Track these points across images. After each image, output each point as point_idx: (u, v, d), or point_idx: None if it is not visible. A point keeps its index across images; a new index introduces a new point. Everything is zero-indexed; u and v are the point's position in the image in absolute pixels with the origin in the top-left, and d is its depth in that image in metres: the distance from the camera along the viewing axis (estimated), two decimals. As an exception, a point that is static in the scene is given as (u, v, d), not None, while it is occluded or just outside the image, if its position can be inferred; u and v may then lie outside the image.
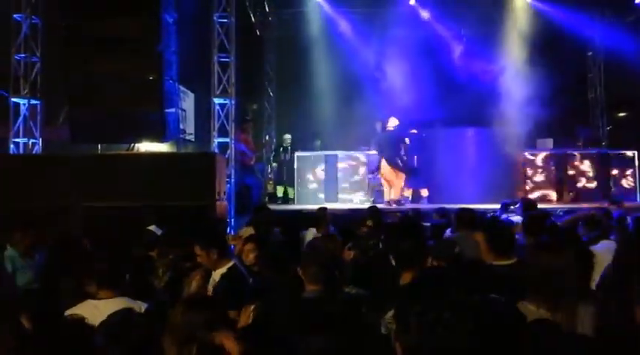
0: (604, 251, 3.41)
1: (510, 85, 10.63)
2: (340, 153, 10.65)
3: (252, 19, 11.87)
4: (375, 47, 11.09)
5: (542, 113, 10.59)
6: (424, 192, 10.00)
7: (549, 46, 10.95)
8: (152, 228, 5.02)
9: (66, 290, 3.00)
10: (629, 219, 5.15)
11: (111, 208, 5.67)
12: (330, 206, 9.16)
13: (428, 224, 5.70)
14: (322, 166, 10.59)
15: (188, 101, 8.67)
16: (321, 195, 10.44)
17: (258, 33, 12.30)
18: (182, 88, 8.16)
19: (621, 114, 12.39)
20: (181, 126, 7.92)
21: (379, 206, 7.57)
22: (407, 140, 9.60)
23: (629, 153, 10.51)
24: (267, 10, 11.84)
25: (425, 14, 11.48)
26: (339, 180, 10.55)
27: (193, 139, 8.67)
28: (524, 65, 10.77)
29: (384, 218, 6.45)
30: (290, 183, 10.68)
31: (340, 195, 10.45)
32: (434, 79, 10.88)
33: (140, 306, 2.53)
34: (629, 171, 10.46)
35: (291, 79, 11.18)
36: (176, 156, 7.20)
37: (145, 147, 7.66)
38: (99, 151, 7.21)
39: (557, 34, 11.16)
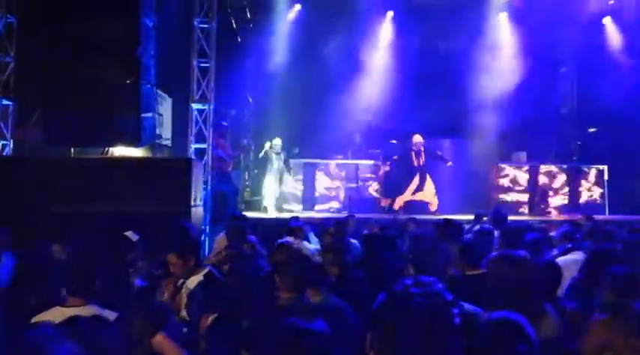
0: (572, 263, 3.51)
1: (487, 98, 10.86)
2: (319, 161, 10.70)
3: (234, 24, 11.86)
4: (353, 56, 11.18)
5: (516, 127, 10.85)
6: (400, 202, 10.10)
7: (524, 62, 11.22)
8: (129, 234, 4.93)
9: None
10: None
11: (84, 213, 5.55)
12: (307, 215, 9.20)
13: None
14: (300, 174, 10.62)
15: (165, 106, 8.58)
16: (296, 205, 10.48)
17: (239, 39, 12.28)
18: (160, 92, 8.08)
19: (592, 130, 12.74)
20: (158, 131, 7.82)
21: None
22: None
23: (599, 167, 10.82)
24: (248, 16, 11.84)
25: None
26: (317, 188, 10.58)
27: (170, 144, 8.57)
28: (502, 79, 11.04)
29: (363, 228, 6.51)
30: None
31: (317, 204, 10.49)
32: (412, 90, 11.05)
33: (109, 315, 2.48)
34: (598, 185, 10.77)
35: (269, 85, 11.18)
36: (151, 161, 7.08)
37: (120, 151, 7.54)
38: (72, 155, 7.05)
39: (532, 49, 11.45)
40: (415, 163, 9.73)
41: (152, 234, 4.18)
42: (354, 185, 10.63)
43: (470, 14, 11.24)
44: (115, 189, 5.85)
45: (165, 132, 8.55)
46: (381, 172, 10.43)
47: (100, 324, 2.13)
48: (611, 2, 10.81)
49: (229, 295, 3.04)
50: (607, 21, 11.42)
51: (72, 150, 7.20)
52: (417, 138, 9.80)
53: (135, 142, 7.01)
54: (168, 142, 8.55)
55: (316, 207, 10.44)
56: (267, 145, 10.01)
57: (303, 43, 11.40)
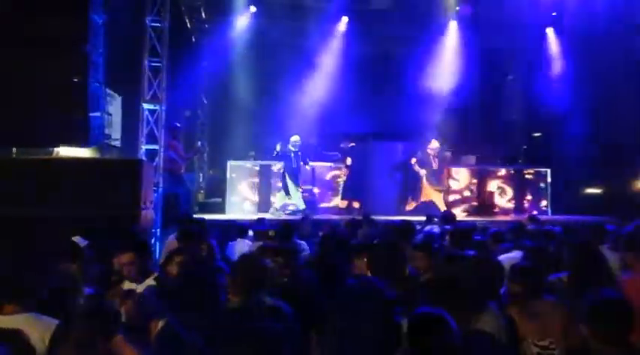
0: (512, 261, 3.68)
1: (438, 103, 11.18)
2: (273, 163, 10.66)
3: (188, 24, 11.66)
4: (308, 59, 11.24)
5: (466, 131, 11.22)
6: (356, 204, 10.23)
7: (474, 69, 11.63)
8: (76, 239, 4.76)
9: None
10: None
11: (27, 218, 5.30)
12: (262, 216, 9.15)
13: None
14: (256, 176, 10.56)
15: (115, 105, 8.32)
16: (251, 206, 10.41)
17: (193, 39, 12.09)
18: (109, 91, 7.84)
19: (536, 135, 13.36)
20: (107, 131, 7.58)
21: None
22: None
23: (543, 170, 11.35)
24: (203, 16, 11.67)
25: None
26: (272, 190, 10.56)
27: (119, 145, 8.31)
28: (453, 84, 11.39)
29: (320, 228, 6.55)
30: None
31: (273, 206, 10.45)
32: (366, 94, 11.23)
33: (49, 323, 2.40)
34: (542, 187, 11.30)
35: (225, 86, 11.05)
36: (99, 162, 6.83)
37: (66, 151, 7.25)
38: (14, 155, 6.71)
39: (481, 57, 11.90)
40: (434, 166, 10.11)
41: (101, 238, 4.07)
42: (309, 187, 10.68)
43: (423, 21, 11.55)
44: (60, 192, 5.61)
45: (115, 132, 8.29)
46: (340, 174, 10.54)
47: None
48: (554, 14, 11.37)
49: (179, 299, 2.99)
50: (549, 31, 12.00)
51: (14, 150, 6.87)
52: (434, 144, 10.16)
53: (82, 143, 6.75)
54: (118, 143, 8.29)
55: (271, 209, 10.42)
56: (278, 146, 9.78)
57: (258, 44, 11.36)
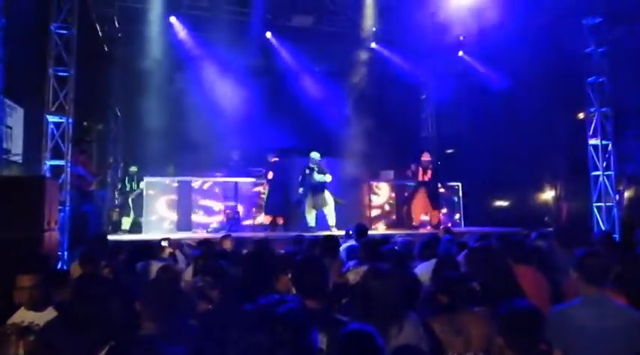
0: (426, 271, 3.82)
1: (356, 120, 11.49)
2: (194, 180, 10.33)
3: (100, 33, 11.08)
4: (229, 73, 11.08)
5: (383, 147, 11.59)
6: (280, 220, 10.12)
7: (389, 88, 12.10)
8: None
9: None
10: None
11: None
12: (182, 235, 8.79)
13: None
14: (174, 193, 10.15)
15: (16, 117, 7.65)
16: (170, 225, 9.98)
17: (105, 48, 11.50)
18: (9, 101, 7.20)
19: (449, 151, 14.11)
20: (5, 145, 6.94)
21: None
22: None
23: (455, 184, 11.98)
24: (116, 25, 11.14)
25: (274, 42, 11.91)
26: (193, 207, 10.20)
27: (20, 160, 7.63)
28: (366, 104, 11.77)
29: (240, 246, 6.38)
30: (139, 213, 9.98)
31: (194, 224, 10.11)
32: (286, 109, 11.28)
33: None
34: (455, 201, 11.90)
35: (140, 99, 10.57)
36: (-3, 179, 6.23)
37: (-42, 167, 6.56)
38: None
39: (397, 77, 12.42)
40: (420, 178, 10.40)
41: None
42: (232, 203, 10.44)
43: (343, 41, 11.86)
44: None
45: (15, 147, 7.61)
46: (262, 189, 10.37)
47: None
48: (461, 38, 12.17)
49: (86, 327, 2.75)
50: (459, 53, 12.81)
51: None
52: (426, 156, 10.41)
53: (-25, 158, 6.15)
54: (19, 158, 7.61)
55: (193, 227, 10.06)
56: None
57: (176, 56, 11.02)
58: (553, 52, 10.05)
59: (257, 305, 1.43)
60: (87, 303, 2.50)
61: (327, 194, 9.70)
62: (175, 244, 6.10)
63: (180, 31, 11.05)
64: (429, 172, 10.47)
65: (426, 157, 10.51)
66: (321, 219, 9.75)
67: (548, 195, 12.46)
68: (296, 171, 9.98)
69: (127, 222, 9.98)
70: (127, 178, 10.23)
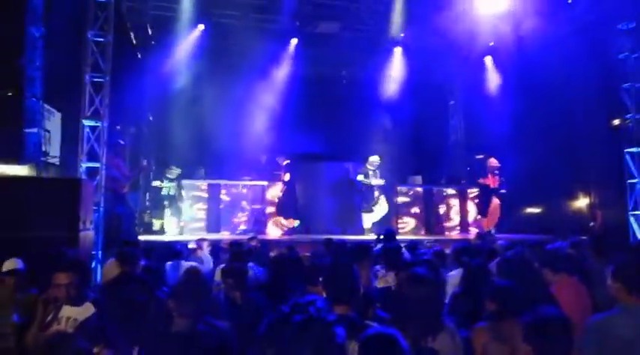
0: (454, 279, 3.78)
1: (383, 125, 11.46)
2: (224, 183, 10.49)
3: (134, 40, 11.40)
4: (257, 80, 11.23)
5: (412, 152, 11.51)
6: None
7: (417, 94, 12.03)
8: (10, 262, 4.44)
9: None
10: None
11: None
12: (211, 237, 8.92)
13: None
14: (204, 195, 10.33)
15: (54, 121, 7.93)
16: (199, 226, 10.15)
17: (139, 55, 11.81)
18: (48, 106, 7.47)
19: (479, 156, 13.91)
20: (44, 148, 7.19)
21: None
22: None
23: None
24: (149, 33, 11.44)
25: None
26: (222, 209, 10.36)
27: (58, 163, 7.90)
28: (394, 109, 11.72)
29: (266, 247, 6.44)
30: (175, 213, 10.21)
31: (223, 226, 10.26)
32: (315, 114, 11.34)
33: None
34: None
35: (172, 104, 10.82)
36: (35, 180, 6.45)
37: (0, 169, 6.82)
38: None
39: (425, 82, 12.34)
40: (491, 185, 10.31)
41: (36, 261, 3.80)
42: (259, 206, 10.56)
43: (369, 46, 11.87)
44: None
45: (53, 149, 7.88)
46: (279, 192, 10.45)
47: None
48: (491, 44, 12.01)
49: (122, 323, 2.83)
50: (487, 59, 12.65)
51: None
52: (493, 162, 10.34)
53: (17, 160, 6.41)
54: (56, 160, 7.87)
55: (222, 229, 10.21)
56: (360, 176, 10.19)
57: (205, 62, 11.24)
58: (587, 57, 9.82)
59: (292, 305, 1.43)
60: (125, 303, 2.59)
61: (382, 198, 9.86)
62: (210, 245, 6.21)
63: (213, 38, 11.26)
64: (497, 178, 10.35)
65: (493, 163, 10.38)
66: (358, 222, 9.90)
67: (581, 202, 12.13)
68: (319, 176, 10.03)
69: (158, 224, 10.19)
70: (165, 180, 10.43)
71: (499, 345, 2.40)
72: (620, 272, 2.66)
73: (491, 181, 10.36)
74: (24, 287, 4.13)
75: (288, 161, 10.16)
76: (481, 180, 10.55)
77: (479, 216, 10.53)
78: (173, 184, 10.26)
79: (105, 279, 4.46)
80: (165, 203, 10.22)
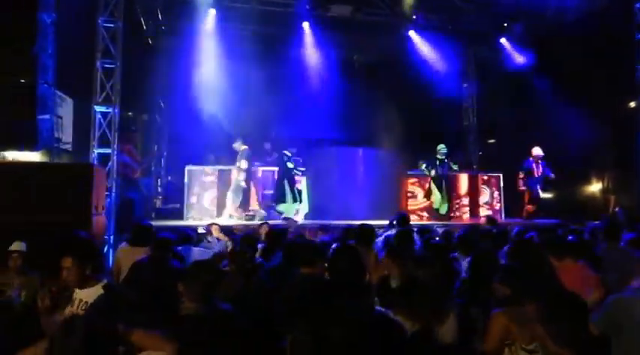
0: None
1: (394, 109, 11.36)
2: (234, 169, 10.49)
3: (144, 26, 11.39)
4: (268, 65, 11.17)
5: (423, 137, 11.42)
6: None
7: (429, 77, 11.88)
8: (17, 244, 4.54)
9: None
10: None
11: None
12: (221, 222, 8.98)
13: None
14: (214, 180, 10.37)
15: (66, 107, 8.01)
16: (210, 211, 10.22)
17: (150, 41, 11.81)
18: (60, 93, 7.54)
19: (490, 141, 13.78)
20: (56, 135, 7.29)
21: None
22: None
23: (496, 175, 11.70)
24: (160, 18, 11.41)
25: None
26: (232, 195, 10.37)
27: (70, 149, 7.99)
28: (405, 93, 11.60)
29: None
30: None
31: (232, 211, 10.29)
32: (326, 100, 11.27)
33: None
34: (495, 192, 11.64)
35: (183, 90, 10.83)
36: (48, 166, 6.55)
37: (14, 155, 6.94)
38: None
39: (437, 67, 12.18)
40: (535, 174, 10.38)
41: (48, 244, 3.87)
42: (270, 192, 10.57)
43: (383, 30, 11.72)
44: (7, 197, 5.34)
45: (66, 135, 7.97)
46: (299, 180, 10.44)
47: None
48: (506, 25, 11.78)
49: (132, 306, 2.88)
50: (503, 41, 12.42)
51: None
52: (537, 151, 10.34)
53: (30, 146, 6.50)
54: (69, 146, 7.98)
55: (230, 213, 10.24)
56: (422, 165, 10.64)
57: (217, 48, 11.20)
58: (602, 38, 9.60)
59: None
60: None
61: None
62: (224, 230, 6.24)
63: (221, 22, 11.20)
64: (541, 167, 10.36)
65: (537, 152, 10.37)
66: None
67: (595, 187, 11.99)
68: (331, 162, 9.96)
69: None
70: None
71: (520, 329, 2.41)
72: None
73: (535, 171, 10.35)
74: (24, 269, 4.27)
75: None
76: (521, 175, 10.58)
77: (528, 206, 10.56)
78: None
79: (117, 263, 4.53)
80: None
